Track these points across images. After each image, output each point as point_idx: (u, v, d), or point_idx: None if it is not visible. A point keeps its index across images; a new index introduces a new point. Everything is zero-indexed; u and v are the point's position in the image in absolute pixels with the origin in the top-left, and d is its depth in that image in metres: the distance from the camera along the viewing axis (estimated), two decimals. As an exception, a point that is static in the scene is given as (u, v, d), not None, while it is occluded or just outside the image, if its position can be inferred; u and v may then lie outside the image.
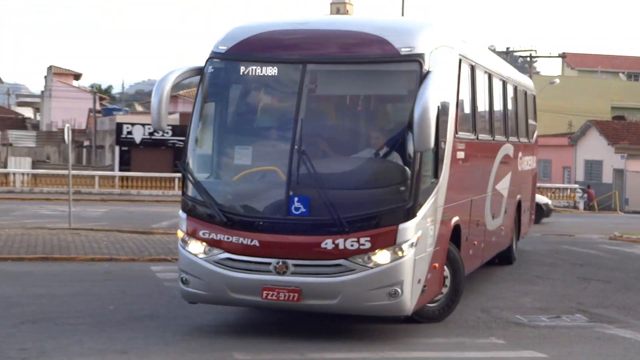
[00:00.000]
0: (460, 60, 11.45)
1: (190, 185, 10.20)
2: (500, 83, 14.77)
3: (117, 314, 11.49)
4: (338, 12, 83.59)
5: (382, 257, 9.61)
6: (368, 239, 9.60)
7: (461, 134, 11.51)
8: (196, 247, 10.03)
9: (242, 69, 10.28)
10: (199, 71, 10.53)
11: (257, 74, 10.21)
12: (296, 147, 9.68)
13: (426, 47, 10.08)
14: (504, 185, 15.02)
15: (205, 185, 10.12)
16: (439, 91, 9.71)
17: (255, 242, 9.73)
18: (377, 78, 10.31)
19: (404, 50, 9.97)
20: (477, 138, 12.64)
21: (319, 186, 9.54)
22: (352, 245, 9.56)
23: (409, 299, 9.72)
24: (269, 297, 9.68)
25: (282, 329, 10.80)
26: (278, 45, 10.36)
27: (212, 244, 9.93)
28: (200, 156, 10.48)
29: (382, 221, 9.65)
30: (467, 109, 12.29)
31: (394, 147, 9.84)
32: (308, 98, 10.05)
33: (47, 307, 11.83)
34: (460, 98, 11.42)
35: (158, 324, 10.89)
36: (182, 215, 10.29)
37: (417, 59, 9.92)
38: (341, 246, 9.58)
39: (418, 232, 9.75)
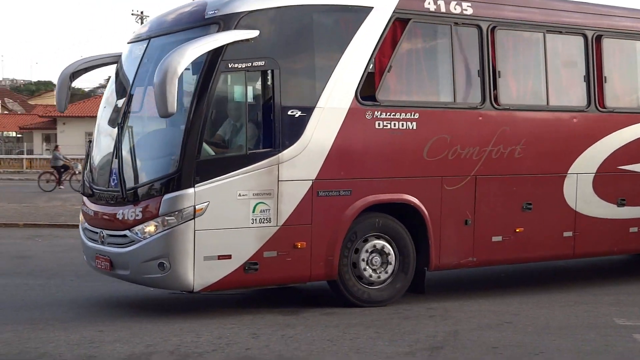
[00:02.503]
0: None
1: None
2: None
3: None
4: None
5: (150, 228, 9.28)
6: (140, 209, 9.37)
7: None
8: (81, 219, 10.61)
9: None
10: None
11: (122, 59, 10.68)
12: (119, 123, 9.82)
13: (237, 8, 9.36)
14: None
15: (85, 164, 10.77)
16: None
17: (91, 212, 10.18)
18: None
19: (208, 14, 9.47)
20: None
21: (119, 158, 9.64)
22: (131, 217, 9.46)
23: (189, 274, 9.14)
24: (98, 265, 10.01)
25: None
26: (149, 26, 10.60)
27: (83, 214, 10.52)
28: (94, 137, 10.96)
29: (150, 191, 9.36)
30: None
31: (175, 117, 9.17)
32: (138, 76, 10.10)
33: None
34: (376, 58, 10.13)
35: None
36: None
37: (217, 21, 9.33)
38: (125, 217, 9.54)
39: (202, 203, 9.09)
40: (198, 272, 9.16)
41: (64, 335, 8.60)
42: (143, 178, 9.47)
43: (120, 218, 9.55)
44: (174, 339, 8.50)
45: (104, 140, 10.48)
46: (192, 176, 9.10)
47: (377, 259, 10.12)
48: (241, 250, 9.35)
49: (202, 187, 9.13)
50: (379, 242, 10.14)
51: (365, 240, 10.05)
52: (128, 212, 9.45)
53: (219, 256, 9.24)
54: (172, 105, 8.68)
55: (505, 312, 9.98)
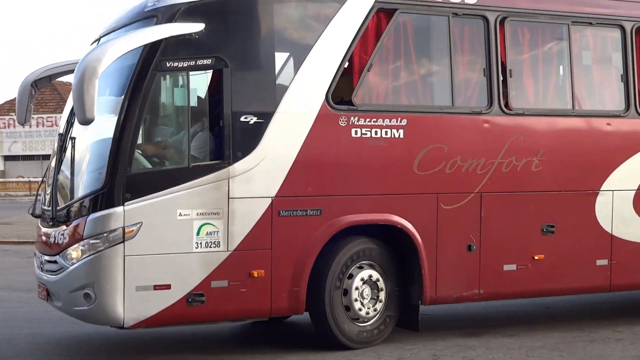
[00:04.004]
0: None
1: None
2: None
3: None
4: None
5: (75, 253, 8.16)
6: (68, 231, 8.31)
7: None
8: None
9: None
10: None
11: None
12: (61, 134, 9.05)
13: (176, 0, 8.27)
14: None
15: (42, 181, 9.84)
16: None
17: (37, 235, 9.28)
18: None
19: (148, 7, 8.45)
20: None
21: (55, 174, 8.83)
22: (60, 240, 8.43)
23: (118, 307, 7.96)
24: (39, 294, 9.06)
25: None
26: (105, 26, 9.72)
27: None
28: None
29: (79, 210, 8.26)
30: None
31: (107, 126, 8.20)
32: None
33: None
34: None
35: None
36: None
37: (155, 14, 8.27)
38: (55, 240, 8.50)
39: (133, 224, 7.94)
40: (129, 304, 8.01)
41: None
42: (74, 195, 8.46)
43: (52, 241, 8.55)
44: (354, 358, 8.35)
45: (54, 154, 9.53)
46: (122, 193, 7.99)
47: (367, 291, 8.84)
48: (183, 280, 8.16)
49: (133, 206, 7.98)
50: (371, 272, 8.85)
51: (353, 273, 8.80)
52: (58, 235, 8.44)
53: (155, 286, 8.08)
54: (91, 110, 7.55)
55: None
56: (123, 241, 7.94)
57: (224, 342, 9.70)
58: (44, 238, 8.80)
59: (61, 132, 9.04)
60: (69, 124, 8.91)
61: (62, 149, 8.83)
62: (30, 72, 10.00)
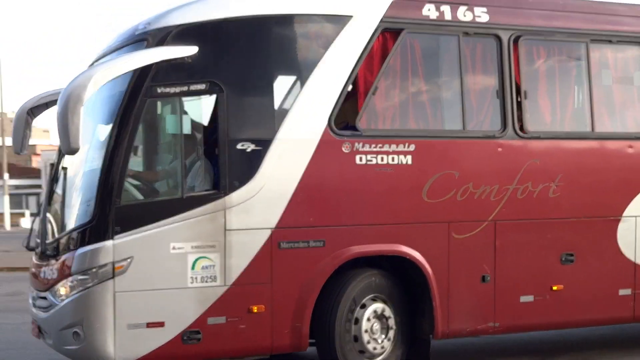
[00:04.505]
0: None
1: None
2: None
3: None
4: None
5: (63, 289, 8.10)
6: (57, 266, 8.20)
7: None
8: None
9: None
10: None
11: None
12: (54, 164, 9.18)
13: (170, 21, 8.23)
14: None
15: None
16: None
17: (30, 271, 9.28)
18: None
19: (139, 30, 8.40)
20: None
21: (46, 205, 8.88)
22: (49, 275, 8.38)
23: (109, 346, 7.87)
24: (32, 331, 8.98)
25: None
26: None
27: None
28: None
29: (68, 245, 8.19)
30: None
31: (97, 156, 8.19)
32: None
33: None
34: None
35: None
36: None
37: (146, 37, 8.18)
38: (45, 275, 8.44)
39: (124, 259, 7.83)
40: (120, 343, 7.88)
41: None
42: (64, 228, 8.37)
43: (42, 276, 8.47)
44: None
45: (47, 185, 9.48)
46: (111, 226, 7.87)
47: (376, 326, 8.70)
48: (178, 317, 8.02)
49: (123, 239, 7.84)
50: (380, 306, 8.72)
51: (363, 306, 8.66)
52: (47, 270, 8.34)
53: (148, 324, 7.93)
54: (76, 139, 7.44)
55: None
56: (113, 277, 7.83)
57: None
58: (35, 272, 8.70)
59: (52, 162, 8.99)
60: (61, 153, 8.80)
61: (53, 180, 8.77)
62: (26, 99, 9.89)
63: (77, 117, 7.40)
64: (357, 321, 8.59)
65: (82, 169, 8.42)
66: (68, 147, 7.47)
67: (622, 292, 9.82)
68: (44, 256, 8.47)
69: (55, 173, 8.83)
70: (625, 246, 9.77)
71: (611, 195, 9.75)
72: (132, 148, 8.01)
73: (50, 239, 8.45)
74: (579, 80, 9.82)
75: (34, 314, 8.63)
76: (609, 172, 9.72)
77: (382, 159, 8.57)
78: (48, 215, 8.61)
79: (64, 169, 8.60)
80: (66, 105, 7.41)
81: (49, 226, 8.66)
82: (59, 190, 8.64)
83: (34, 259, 8.87)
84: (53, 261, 8.22)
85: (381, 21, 8.64)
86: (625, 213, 9.77)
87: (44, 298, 8.30)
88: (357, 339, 8.58)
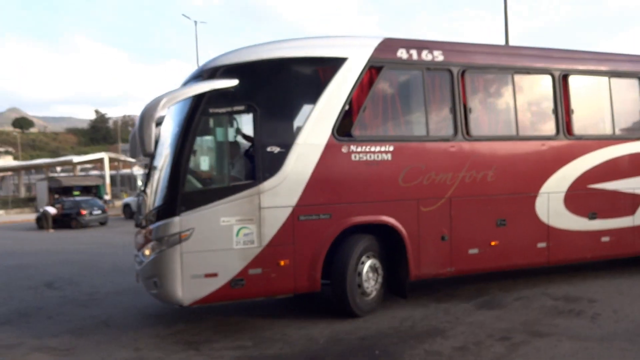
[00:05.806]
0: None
1: None
2: None
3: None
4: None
5: (147, 250, 9.78)
6: (144, 234, 9.94)
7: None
8: None
9: None
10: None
11: None
12: (147, 163, 10.59)
13: (218, 63, 10.00)
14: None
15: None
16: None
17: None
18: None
19: (199, 68, 10.10)
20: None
21: (143, 192, 10.31)
22: (140, 240, 10.00)
23: (179, 291, 9.57)
24: (135, 278, 10.47)
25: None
26: None
27: None
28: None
29: (150, 219, 9.87)
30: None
31: (171, 157, 9.83)
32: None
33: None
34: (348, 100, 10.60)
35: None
36: None
37: (202, 74, 9.93)
38: (138, 240, 10.15)
39: (187, 229, 9.54)
40: (186, 288, 9.54)
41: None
42: (149, 208, 10.17)
43: (137, 241, 10.39)
44: (363, 324, 9.40)
45: (143, 177, 11.21)
46: (178, 206, 9.52)
47: (371, 274, 10.59)
48: (227, 269, 9.72)
49: (187, 216, 9.52)
50: (373, 261, 10.62)
51: (362, 262, 10.48)
52: (140, 236, 10.28)
53: (205, 274, 9.61)
54: (150, 146, 9.09)
55: None
56: (180, 242, 9.52)
57: (264, 311, 11.40)
58: (135, 238, 10.70)
59: (146, 163, 10.98)
60: (152, 156, 10.65)
61: (146, 175, 10.74)
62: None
63: (150, 129, 9.06)
64: (360, 270, 10.45)
65: (161, 166, 10.24)
66: (143, 151, 9.14)
67: (539, 245, 11.95)
68: (139, 227, 10.46)
69: (148, 170, 10.72)
70: (541, 213, 11.90)
71: (531, 178, 11.82)
72: (192, 151, 9.67)
73: (142, 215, 10.39)
74: (507, 99, 11.90)
75: (135, 266, 10.58)
76: (529, 163, 11.81)
77: (370, 157, 10.58)
78: (142, 198, 10.47)
79: (153, 167, 10.48)
80: (142, 121, 9.10)
81: (142, 206, 10.49)
82: (148, 182, 10.51)
83: (135, 229, 10.85)
84: (143, 231, 10.18)
85: (368, 61, 10.73)
86: (540, 190, 11.92)
87: (138, 256, 10.32)
88: (359, 285, 10.46)
